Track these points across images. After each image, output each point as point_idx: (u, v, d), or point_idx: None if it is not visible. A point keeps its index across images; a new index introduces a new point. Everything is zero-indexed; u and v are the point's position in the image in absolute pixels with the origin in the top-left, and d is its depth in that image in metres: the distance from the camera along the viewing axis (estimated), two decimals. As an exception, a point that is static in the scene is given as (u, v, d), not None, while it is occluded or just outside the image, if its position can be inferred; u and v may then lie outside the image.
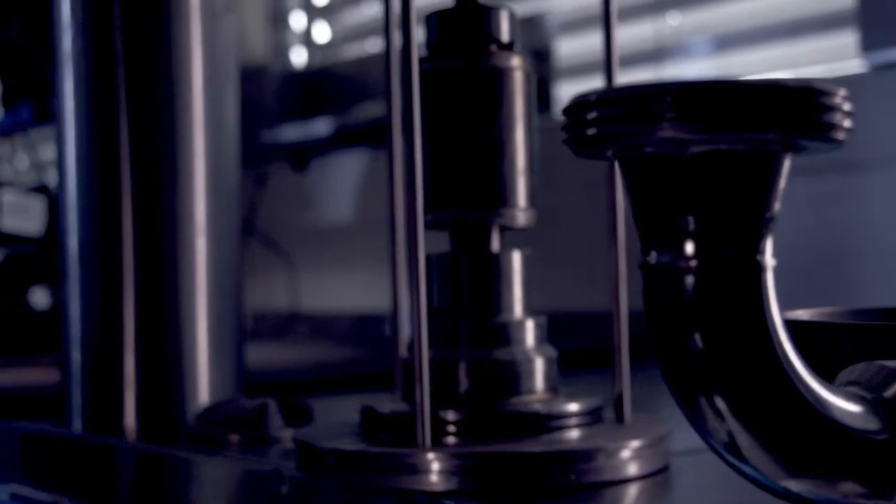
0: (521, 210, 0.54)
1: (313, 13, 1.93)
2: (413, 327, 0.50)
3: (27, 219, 1.21)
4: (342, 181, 1.74)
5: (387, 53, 0.58)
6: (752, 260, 0.32)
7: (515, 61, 0.54)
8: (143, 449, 0.68)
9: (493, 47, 0.55)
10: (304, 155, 1.80)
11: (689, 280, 0.32)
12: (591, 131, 0.29)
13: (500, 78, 0.54)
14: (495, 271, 0.54)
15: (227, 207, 0.76)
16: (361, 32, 1.87)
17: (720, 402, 0.32)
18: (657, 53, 1.38)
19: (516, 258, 0.55)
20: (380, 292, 1.70)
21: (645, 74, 1.39)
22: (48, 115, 1.80)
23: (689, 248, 0.32)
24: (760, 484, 0.33)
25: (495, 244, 0.55)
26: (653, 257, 0.32)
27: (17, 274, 1.16)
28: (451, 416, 0.52)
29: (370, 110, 1.68)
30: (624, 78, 0.50)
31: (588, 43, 1.43)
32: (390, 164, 0.59)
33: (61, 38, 0.73)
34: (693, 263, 0.32)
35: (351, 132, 1.70)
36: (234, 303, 0.76)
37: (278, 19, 1.94)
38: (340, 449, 0.51)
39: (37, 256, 1.18)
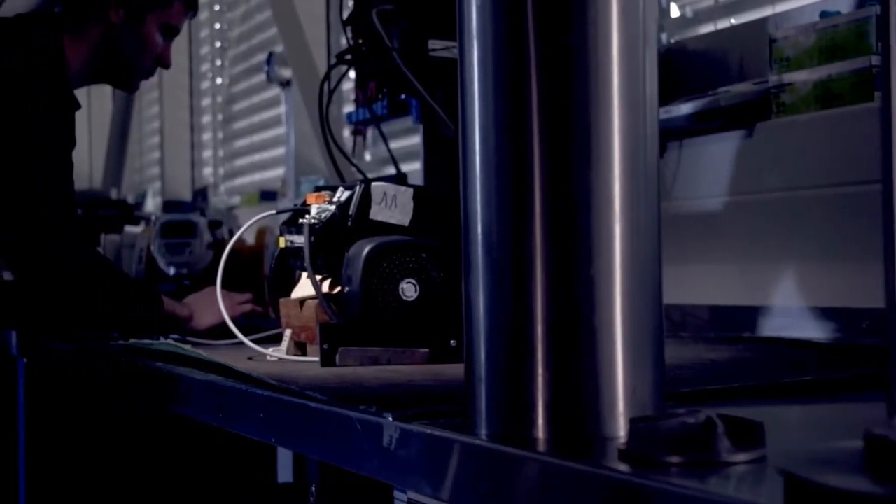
0: None
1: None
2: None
3: (396, 209, 1.18)
4: (702, 167, 1.62)
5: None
6: None
7: None
8: (558, 465, 0.60)
9: None
10: (659, 140, 1.69)
11: None
12: None
13: None
14: None
15: (645, 191, 0.67)
16: (716, 8, 1.74)
17: None
18: None
19: None
20: (745, 285, 1.56)
21: None
22: (402, 106, 1.81)
23: None
24: None
25: None
26: None
27: (387, 265, 1.14)
28: None
29: (737, 89, 1.54)
30: None
31: None
32: (885, 133, 0.47)
33: (469, 9, 0.67)
34: None
35: (714, 114, 1.57)
36: (653, 300, 0.67)
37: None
38: (860, 492, 0.40)
39: (406, 247, 1.15)
